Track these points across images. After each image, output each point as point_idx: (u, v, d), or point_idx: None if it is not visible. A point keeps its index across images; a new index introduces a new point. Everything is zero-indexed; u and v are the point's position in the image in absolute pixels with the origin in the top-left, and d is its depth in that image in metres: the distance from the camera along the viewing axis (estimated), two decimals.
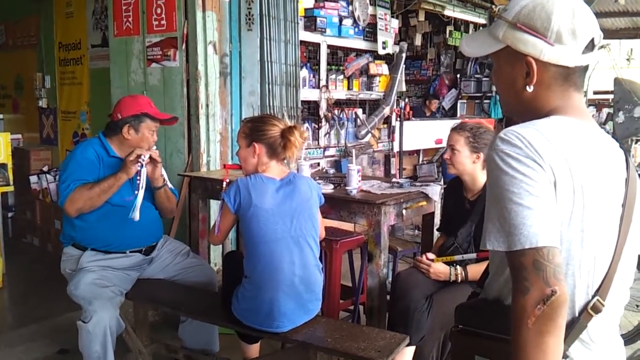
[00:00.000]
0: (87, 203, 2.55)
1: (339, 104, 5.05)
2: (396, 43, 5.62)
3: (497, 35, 1.15)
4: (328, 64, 4.93)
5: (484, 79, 7.47)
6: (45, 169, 5.07)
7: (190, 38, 3.72)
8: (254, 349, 2.70)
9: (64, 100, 5.26)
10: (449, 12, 6.54)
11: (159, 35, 3.82)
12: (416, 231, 5.46)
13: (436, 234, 3.08)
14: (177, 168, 3.77)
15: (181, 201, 3.59)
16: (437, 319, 2.50)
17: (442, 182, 3.37)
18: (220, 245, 3.59)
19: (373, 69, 5.34)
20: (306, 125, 4.72)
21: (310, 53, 4.90)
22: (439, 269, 2.60)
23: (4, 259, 4.16)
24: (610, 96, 6.31)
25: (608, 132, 2.52)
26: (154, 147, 2.75)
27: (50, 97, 5.42)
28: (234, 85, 4.01)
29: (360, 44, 5.18)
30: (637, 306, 3.31)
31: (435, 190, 3.02)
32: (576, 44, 1.09)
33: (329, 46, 4.88)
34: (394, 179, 3.36)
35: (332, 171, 3.94)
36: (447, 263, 2.61)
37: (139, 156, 2.58)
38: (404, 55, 5.52)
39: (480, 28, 7.18)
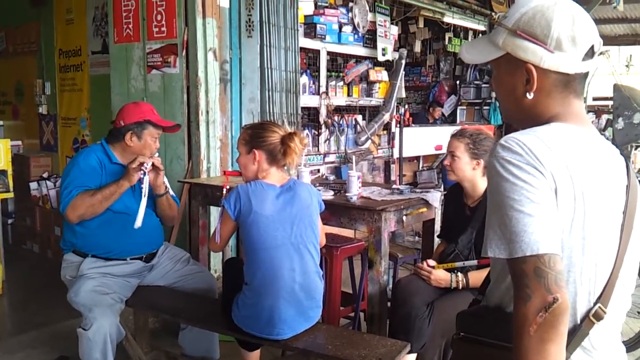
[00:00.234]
0: (88, 210, 2.55)
1: (338, 110, 5.06)
2: (396, 50, 5.64)
3: (497, 43, 1.15)
4: (328, 70, 4.94)
5: (484, 85, 7.46)
6: (45, 175, 5.08)
7: (191, 45, 3.72)
8: (254, 356, 2.68)
9: (64, 106, 5.26)
10: (448, 19, 6.55)
11: (159, 42, 3.82)
12: (416, 238, 5.46)
13: (437, 240, 3.07)
14: (177, 175, 3.76)
15: (181, 208, 3.58)
16: (438, 326, 2.49)
17: (442, 189, 3.36)
18: (221, 252, 3.58)
19: (373, 75, 5.36)
20: (306, 131, 4.73)
21: (310, 60, 4.92)
22: (440, 275, 2.59)
23: (3, 266, 4.15)
24: (610, 102, 6.32)
25: (607, 139, 2.53)
26: (156, 155, 2.76)
27: (51, 104, 5.42)
28: (234, 91, 4.01)
29: (360, 50, 5.20)
30: (639, 313, 3.30)
31: (436, 197, 3.02)
32: (576, 51, 1.10)
33: (328, 53, 4.90)
34: (394, 186, 3.35)
35: (332, 177, 3.93)
36: (448, 270, 2.60)
37: (141, 164, 2.58)
38: (403, 61, 5.53)
39: (480, 35, 7.20)
